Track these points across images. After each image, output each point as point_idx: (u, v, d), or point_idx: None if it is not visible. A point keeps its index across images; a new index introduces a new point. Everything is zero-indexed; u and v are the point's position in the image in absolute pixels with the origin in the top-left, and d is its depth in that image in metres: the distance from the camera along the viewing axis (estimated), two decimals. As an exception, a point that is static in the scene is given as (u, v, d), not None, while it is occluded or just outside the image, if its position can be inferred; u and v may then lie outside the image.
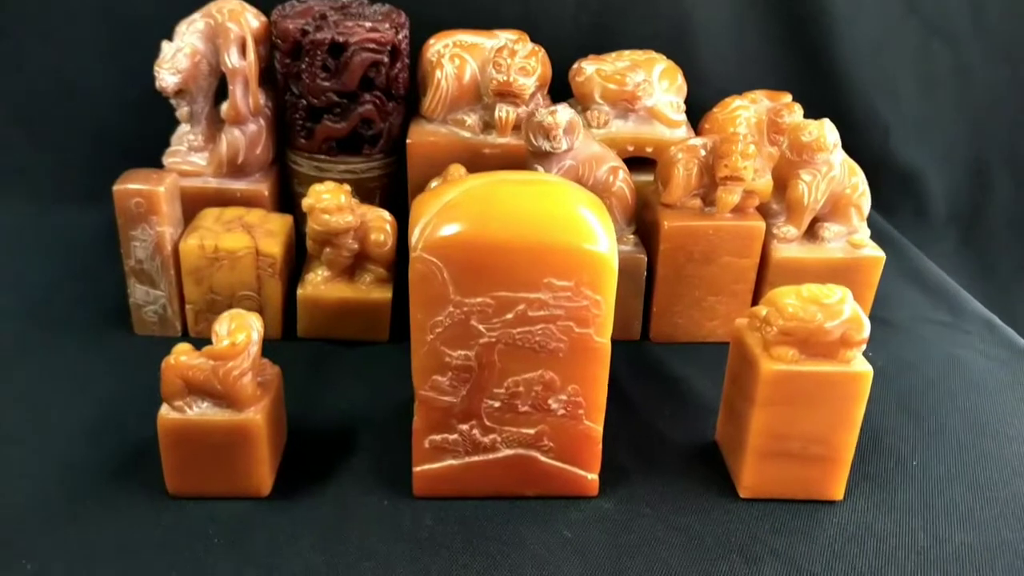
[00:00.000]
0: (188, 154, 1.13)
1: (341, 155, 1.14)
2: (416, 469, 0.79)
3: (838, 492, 0.80)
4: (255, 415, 0.76)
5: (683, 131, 1.15)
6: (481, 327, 0.72)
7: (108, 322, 1.05)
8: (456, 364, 0.74)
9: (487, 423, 0.76)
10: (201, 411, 0.75)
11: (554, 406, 0.76)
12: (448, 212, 0.70)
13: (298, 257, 1.09)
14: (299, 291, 1.03)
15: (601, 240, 0.70)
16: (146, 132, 1.18)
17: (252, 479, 0.78)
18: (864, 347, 0.76)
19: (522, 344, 0.73)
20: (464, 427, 0.76)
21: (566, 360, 0.74)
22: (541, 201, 0.72)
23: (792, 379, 0.75)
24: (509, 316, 0.72)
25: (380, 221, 1.04)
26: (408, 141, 1.11)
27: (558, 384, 0.75)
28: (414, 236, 0.70)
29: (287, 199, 1.18)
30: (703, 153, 1.02)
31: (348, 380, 0.97)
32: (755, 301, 1.05)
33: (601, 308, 0.71)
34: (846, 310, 0.75)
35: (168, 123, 1.15)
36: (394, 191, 1.18)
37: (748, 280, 1.04)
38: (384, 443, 0.87)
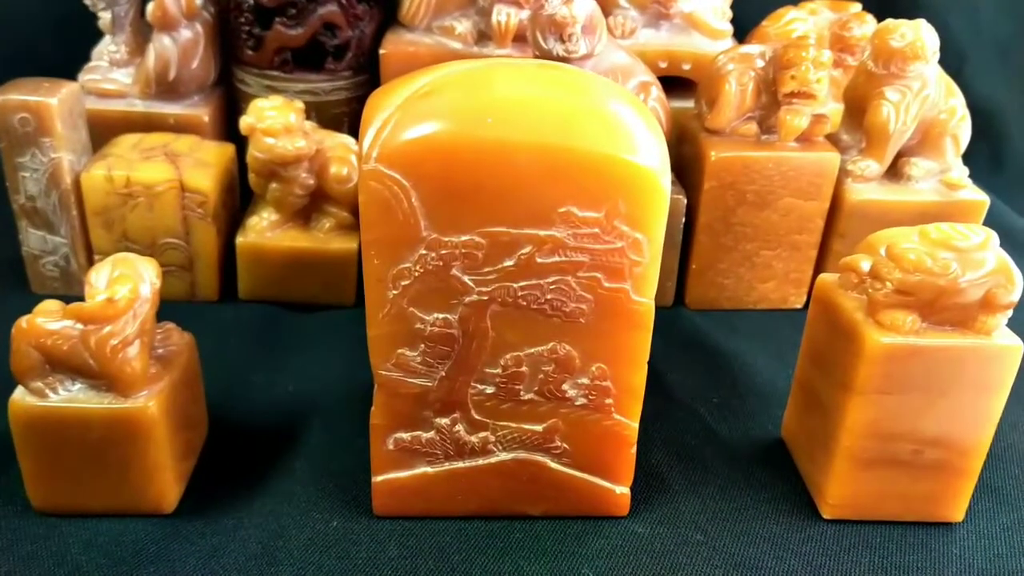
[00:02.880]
0: (109, 70, 0.90)
1: (298, 71, 0.91)
2: (376, 479, 0.57)
3: (957, 512, 0.59)
4: (148, 402, 0.53)
5: (728, 44, 0.92)
6: (467, 279, 0.50)
7: (-1, 278, 0.83)
8: (431, 333, 0.51)
9: (476, 416, 0.54)
10: (70, 395, 0.53)
11: (571, 393, 0.54)
12: (418, 105, 0.47)
13: (244, 199, 0.86)
14: (239, 239, 0.80)
15: (646, 149, 0.48)
16: (66, 50, 0.95)
17: (148, 491, 0.56)
18: (1011, 312, 0.54)
19: (527, 304, 0.51)
20: (443, 421, 0.54)
21: (590, 328, 0.51)
22: (557, 91, 0.49)
23: (911, 356, 0.53)
24: (508, 264, 0.49)
25: (343, 150, 0.81)
26: (382, 52, 0.89)
27: (577, 362, 0.53)
28: (366, 141, 0.47)
29: (233, 129, 0.95)
30: (761, 64, 0.79)
31: (300, 355, 0.75)
32: (821, 258, 0.83)
33: (643, 252, 0.49)
34: (989, 259, 0.52)
35: (91, 37, 0.92)
36: (366, 119, 0.95)
37: (814, 229, 0.81)
38: (337, 442, 0.65)
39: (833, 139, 0.83)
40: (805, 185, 0.79)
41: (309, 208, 0.82)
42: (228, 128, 0.95)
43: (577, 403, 0.54)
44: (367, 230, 0.48)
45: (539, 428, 0.55)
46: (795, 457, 0.64)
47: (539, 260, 0.49)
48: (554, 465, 0.56)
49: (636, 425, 0.55)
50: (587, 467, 0.56)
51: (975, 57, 1.20)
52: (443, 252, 0.49)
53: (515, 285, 0.50)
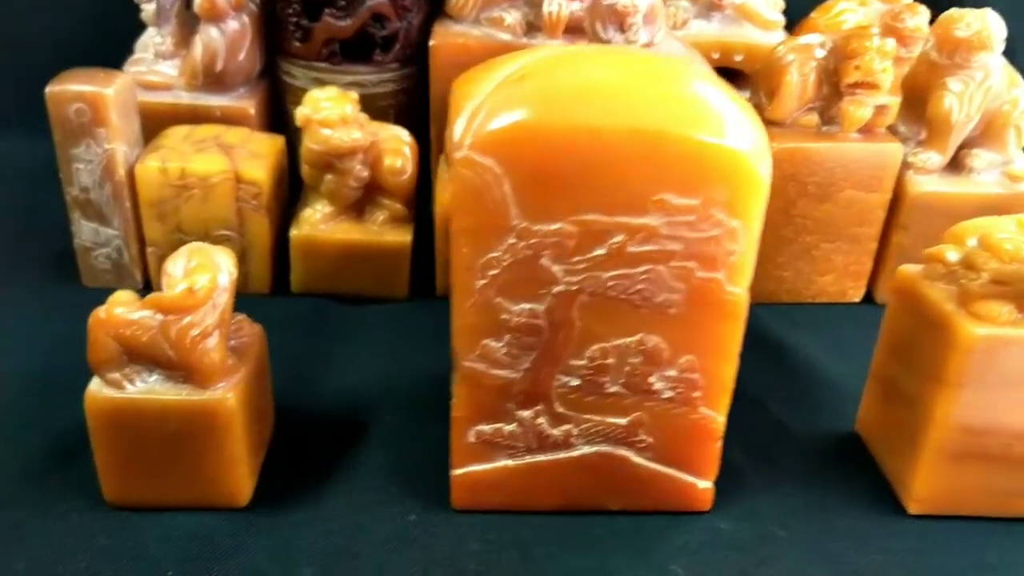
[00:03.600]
0: (155, 62, 0.89)
1: (346, 63, 0.90)
2: (455, 472, 0.56)
3: (1046, 507, 0.58)
4: (226, 394, 0.52)
5: (780, 35, 0.91)
6: (556, 268, 0.49)
7: (49, 271, 0.82)
8: (517, 323, 0.50)
9: (559, 409, 0.53)
10: (147, 387, 0.52)
11: (658, 386, 0.52)
12: (511, 91, 0.46)
13: (292, 192, 0.85)
14: (292, 231, 0.79)
15: (744, 134, 0.47)
16: (106, 40, 0.94)
17: (223, 484, 0.55)
18: (1108, 304, 0.53)
19: (616, 295, 0.50)
20: (526, 414, 0.53)
21: (680, 319, 0.50)
22: (651, 77, 0.48)
23: (1006, 347, 0.52)
24: (599, 252, 0.48)
25: (396, 142, 0.80)
26: (431, 44, 0.87)
27: (666, 354, 0.51)
28: (458, 128, 0.46)
29: (279, 121, 0.94)
30: (821, 54, 0.78)
31: (356, 348, 0.74)
32: (881, 250, 0.82)
33: (738, 241, 0.48)
34: (1088, 248, 0.51)
35: (133, 28, 0.91)
36: (412, 111, 0.94)
37: (874, 222, 0.80)
38: (408, 435, 0.64)
39: (890, 131, 0.82)
40: (866, 177, 0.78)
41: (363, 200, 0.81)
42: (273, 120, 0.94)
43: (664, 396, 0.53)
44: (457, 218, 0.47)
45: (623, 421, 0.54)
46: (874, 452, 0.62)
47: (631, 249, 0.48)
48: (637, 459, 0.55)
49: (723, 419, 0.54)
50: (670, 461, 0.55)
51: None
52: (533, 241, 0.48)
53: (605, 275, 0.49)
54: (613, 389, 0.53)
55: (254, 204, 0.77)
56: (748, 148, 0.46)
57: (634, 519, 0.57)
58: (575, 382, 0.52)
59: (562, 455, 0.55)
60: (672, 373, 0.52)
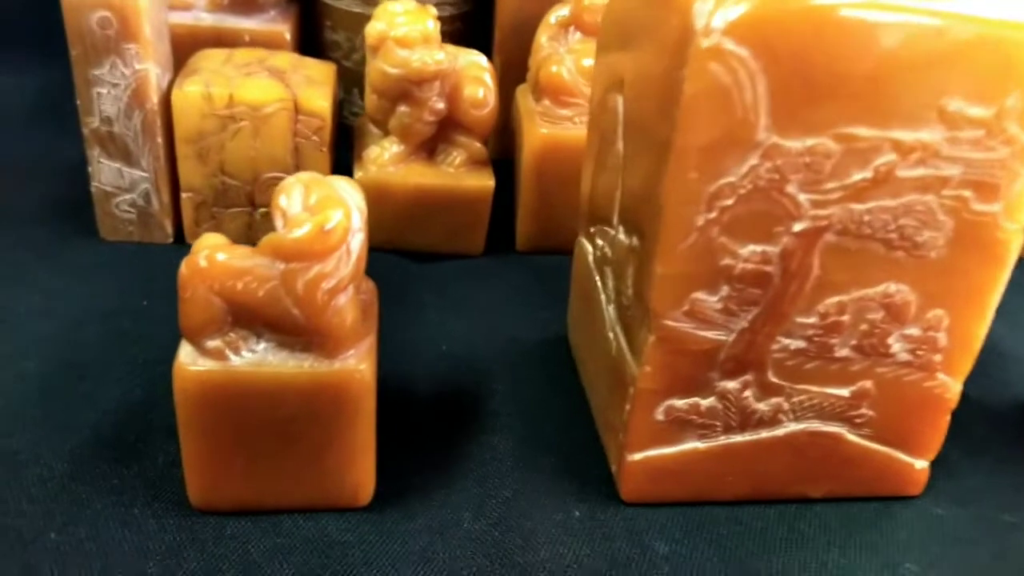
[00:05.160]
0: (170, -25, 0.75)
1: (400, -19, 0.77)
2: (632, 457, 0.45)
3: None
4: (358, 364, 0.41)
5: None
6: (803, 199, 0.38)
7: (60, 222, 0.68)
8: (742, 271, 0.40)
9: (772, 379, 0.43)
10: (257, 356, 0.40)
11: (895, 348, 0.43)
12: (774, -37, 0.36)
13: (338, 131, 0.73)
14: (358, 174, 0.67)
15: (1061, 26, 0.37)
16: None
17: (346, 478, 0.43)
18: None
19: (871, 233, 0.39)
20: (732, 385, 0.43)
21: (937, 265, 0.40)
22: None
23: None
24: (859, 177, 0.38)
25: (476, 69, 0.68)
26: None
27: (912, 308, 0.42)
28: (700, 8, 0.35)
29: (314, 51, 0.81)
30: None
31: (438, 311, 0.63)
32: None
33: (1032, 163, 0.38)
34: None
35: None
36: (475, 38, 0.82)
37: None
38: (532, 413, 0.53)
39: None
40: None
41: (434, 139, 0.69)
42: (309, 47, 0.81)
43: (899, 359, 0.43)
44: (688, 131, 0.36)
45: (845, 392, 0.44)
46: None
47: (900, 174, 0.38)
48: (851, 437, 0.45)
49: (959, 388, 0.45)
50: (890, 438, 0.46)
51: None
52: (781, 162, 0.37)
53: (861, 207, 0.39)
54: (842, 353, 0.42)
55: (315, 140, 0.64)
56: (1063, 42, 0.37)
57: (837, 508, 0.47)
58: (797, 344, 0.42)
59: (764, 434, 0.45)
60: (914, 331, 0.42)
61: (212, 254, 0.38)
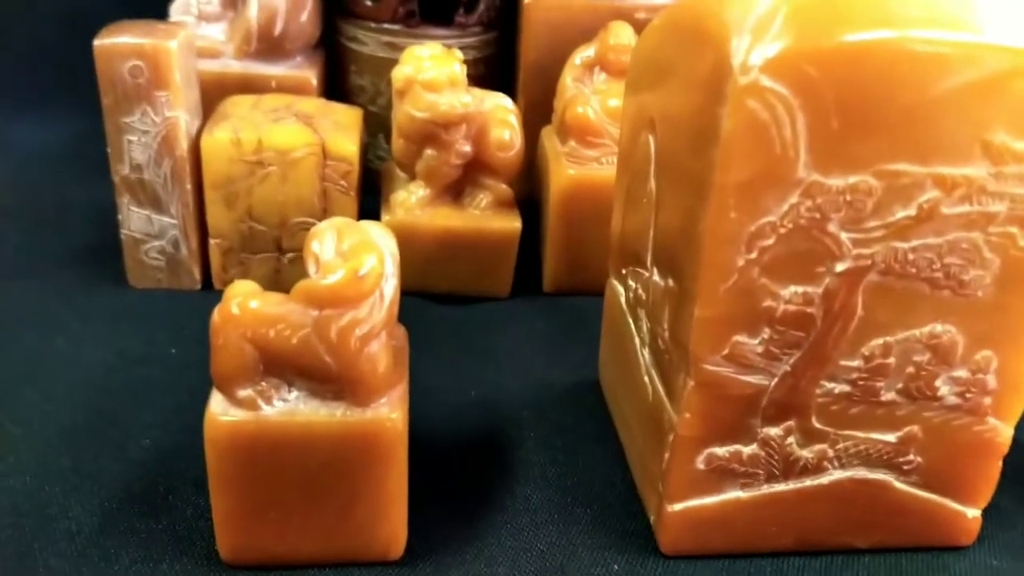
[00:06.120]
0: (198, 25, 0.76)
1: (424, 26, 0.78)
2: (672, 508, 0.44)
3: None
4: (391, 413, 0.40)
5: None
6: (845, 237, 0.37)
7: (88, 269, 0.68)
8: (784, 313, 0.39)
9: (816, 424, 0.42)
10: (288, 406, 0.39)
11: (943, 390, 0.41)
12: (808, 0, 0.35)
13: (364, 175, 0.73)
14: (385, 217, 0.67)
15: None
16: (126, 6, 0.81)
17: (378, 530, 0.42)
18: None
19: (916, 272, 0.38)
20: (774, 432, 0.42)
21: (985, 303, 0.39)
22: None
23: None
24: (903, 215, 0.37)
25: (502, 112, 0.68)
26: (525, 1, 0.76)
27: (960, 349, 0.40)
28: (737, 45, 0.34)
29: (339, 96, 0.82)
30: None
31: (465, 356, 0.62)
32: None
33: (1082, 199, 0.37)
34: None
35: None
36: (498, 80, 0.82)
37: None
38: (565, 461, 0.52)
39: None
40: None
41: (460, 181, 0.69)
42: (334, 92, 0.82)
43: (947, 403, 0.42)
44: (728, 169, 0.36)
45: (891, 438, 0.42)
46: None
47: (944, 210, 0.37)
48: (899, 484, 0.44)
49: (1011, 431, 0.43)
50: (939, 486, 0.44)
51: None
52: (822, 200, 0.36)
53: (905, 245, 0.38)
54: (888, 396, 0.41)
55: (343, 186, 0.64)
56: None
57: (885, 559, 0.46)
58: (841, 388, 0.41)
59: (808, 483, 0.43)
60: (962, 374, 0.41)
61: (245, 301, 0.38)
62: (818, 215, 0.37)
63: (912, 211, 0.37)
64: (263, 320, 0.38)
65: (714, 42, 0.36)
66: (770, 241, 0.37)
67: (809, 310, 0.39)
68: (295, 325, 0.38)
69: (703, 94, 0.37)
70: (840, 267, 0.38)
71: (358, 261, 0.38)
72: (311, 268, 0.39)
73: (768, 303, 0.38)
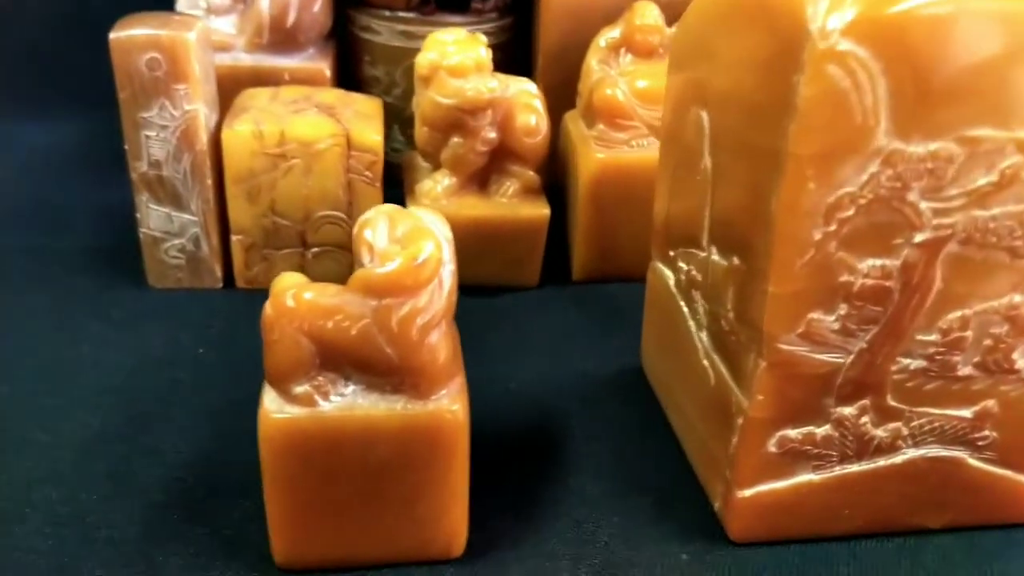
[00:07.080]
0: (207, 18, 0.74)
1: (439, 13, 0.76)
2: (742, 494, 0.42)
3: None
4: (451, 405, 0.38)
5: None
6: (924, 207, 0.36)
7: (107, 269, 0.66)
8: (862, 287, 0.37)
9: (891, 402, 0.40)
10: (347, 400, 0.38)
11: (1021, 363, 0.40)
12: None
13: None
14: (412, 208, 0.65)
15: None
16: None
17: (439, 527, 0.40)
18: None
19: (996, 241, 0.37)
20: (848, 411, 0.40)
21: (1065, 271, 0.38)
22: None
23: None
24: (984, 182, 0.36)
25: (527, 96, 0.66)
26: (546, -13, 0.75)
27: (1039, 319, 0.39)
28: (809, 11, 0.33)
29: (352, 88, 0.80)
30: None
31: (498, 346, 0.61)
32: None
33: None
34: None
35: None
36: (515, 67, 0.80)
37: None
38: (613, 449, 0.50)
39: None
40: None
41: (486, 170, 0.67)
42: (348, 84, 0.80)
43: (1024, 376, 0.40)
44: (805, 139, 0.34)
45: (967, 414, 0.41)
46: None
47: (1027, 176, 0.36)
48: (973, 461, 0.42)
49: (1089, 403, 0.42)
50: (1014, 462, 0.43)
51: None
52: (903, 168, 0.35)
53: (986, 213, 0.36)
54: (964, 371, 0.40)
55: (368, 177, 0.63)
56: None
57: (959, 539, 0.44)
58: (918, 364, 0.39)
59: (881, 462, 0.42)
60: (1041, 345, 0.40)
61: (300, 293, 0.36)
62: (899, 184, 0.35)
63: (994, 177, 0.36)
64: (320, 312, 0.36)
65: (784, 8, 0.34)
66: (849, 212, 0.35)
67: (887, 284, 0.37)
68: (354, 316, 0.36)
69: (772, 64, 0.35)
70: (919, 238, 0.37)
71: (416, 248, 0.36)
72: (365, 258, 0.37)
73: (845, 277, 0.37)
